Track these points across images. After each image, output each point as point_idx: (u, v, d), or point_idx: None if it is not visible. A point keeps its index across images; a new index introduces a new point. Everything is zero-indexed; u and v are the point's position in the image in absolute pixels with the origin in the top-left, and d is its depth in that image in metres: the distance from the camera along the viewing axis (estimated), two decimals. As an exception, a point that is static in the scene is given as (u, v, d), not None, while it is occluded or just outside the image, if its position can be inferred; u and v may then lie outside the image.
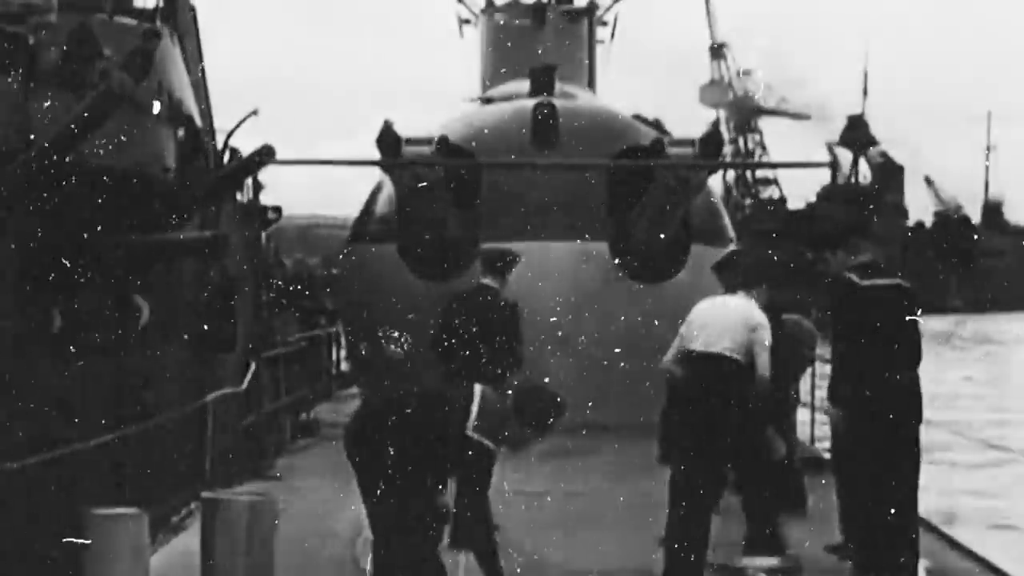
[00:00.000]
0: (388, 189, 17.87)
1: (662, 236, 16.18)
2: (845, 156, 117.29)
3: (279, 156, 16.36)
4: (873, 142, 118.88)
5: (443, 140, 15.26)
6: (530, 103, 17.23)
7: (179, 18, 30.05)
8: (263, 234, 27.31)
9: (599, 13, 27.52)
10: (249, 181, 24.21)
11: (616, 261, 16.75)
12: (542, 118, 16.19)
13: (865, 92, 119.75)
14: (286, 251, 36.19)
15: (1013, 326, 77.43)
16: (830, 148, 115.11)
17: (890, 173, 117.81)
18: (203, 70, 31.56)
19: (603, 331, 16.04)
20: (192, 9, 31.65)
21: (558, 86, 19.18)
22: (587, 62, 26.32)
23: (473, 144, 16.93)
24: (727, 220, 18.70)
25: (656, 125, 20.68)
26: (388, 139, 14.92)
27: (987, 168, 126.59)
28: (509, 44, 25.46)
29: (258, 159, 17.30)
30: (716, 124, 14.69)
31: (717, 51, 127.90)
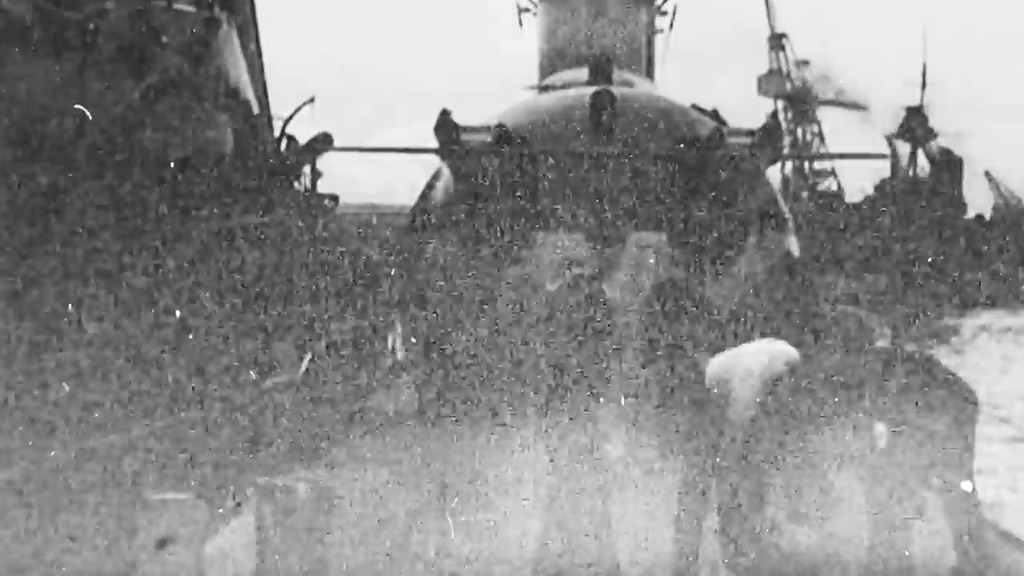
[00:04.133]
0: (446, 177, 17.81)
1: (721, 226, 16.02)
2: (904, 149, 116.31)
3: (336, 144, 16.35)
4: (932, 135, 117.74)
5: (501, 128, 15.21)
6: (588, 91, 17.10)
7: (237, 5, 30.11)
8: (321, 222, 27.40)
9: (658, 2, 27.30)
10: (307, 169, 24.31)
11: (674, 251, 16.63)
12: (600, 107, 16.07)
13: (924, 84, 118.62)
14: (344, 240, 36.24)
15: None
16: (889, 140, 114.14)
17: (950, 166, 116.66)
18: (261, 57, 31.65)
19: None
20: (250, -4, 31.64)
21: (616, 74, 19.03)
22: (646, 51, 26.10)
23: (531, 132, 16.83)
24: (783, 204, 18.50)
25: (714, 115, 20.44)
26: (445, 127, 14.90)
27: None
28: (567, 32, 25.30)
29: (316, 146, 17.37)
30: (775, 114, 14.47)
31: (776, 41, 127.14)
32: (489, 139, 15.13)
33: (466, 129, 15.09)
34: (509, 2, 28.91)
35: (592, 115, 16.00)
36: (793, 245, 18.28)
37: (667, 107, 18.74)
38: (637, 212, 16.37)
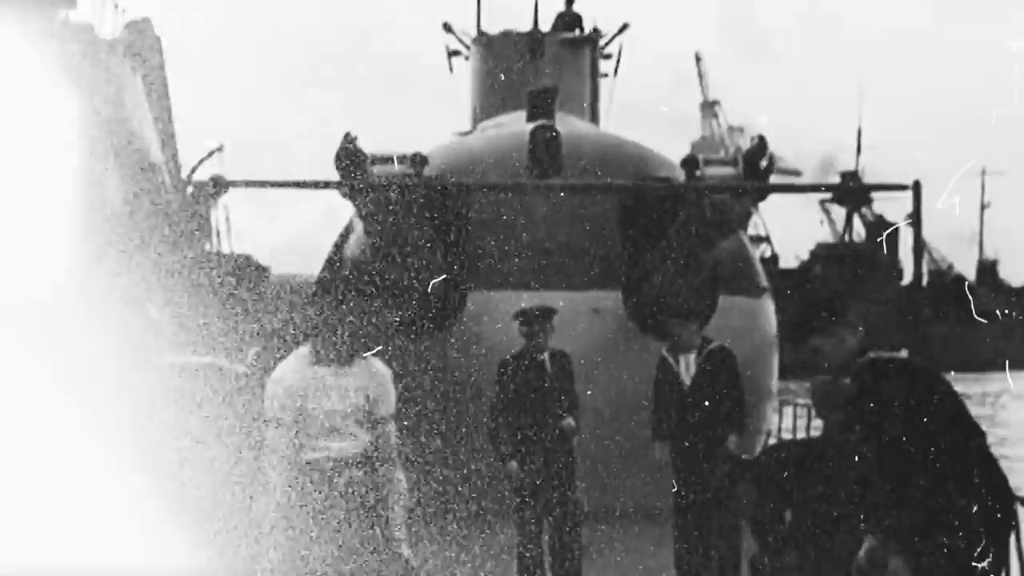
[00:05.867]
0: (359, 231, 15.17)
1: (689, 283, 13.31)
2: (839, 213, 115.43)
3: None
4: (867, 199, 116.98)
5: (418, 156, 12.08)
6: (528, 127, 14.55)
7: (145, 53, 28.08)
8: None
9: (602, 43, 24.94)
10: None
11: (631, 314, 14.05)
12: (542, 142, 13.38)
13: (859, 149, 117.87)
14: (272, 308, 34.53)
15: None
16: (824, 206, 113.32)
17: (884, 232, 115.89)
18: (168, 103, 29.56)
19: (615, 398, 13.36)
20: (158, 43, 29.60)
21: (559, 116, 16.46)
22: (590, 96, 23.69)
23: (458, 171, 14.18)
24: (759, 267, 15.99)
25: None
26: (350, 156, 11.80)
27: (981, 226, 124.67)
28: (503, 75, 22.85)
29: (208, 191, 15.13)
30: (762, 138, 11.79)
31: (708, 108, 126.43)
32: (405, 170, 12.00)
33: (377, 160, 11.99)
34: (438, 48, 26.73)
35: (533, 152, 13.28)
36: (769, 314, 15.67)
37: (620, 144, 16.23)
38: (588, 265, 13.86)
